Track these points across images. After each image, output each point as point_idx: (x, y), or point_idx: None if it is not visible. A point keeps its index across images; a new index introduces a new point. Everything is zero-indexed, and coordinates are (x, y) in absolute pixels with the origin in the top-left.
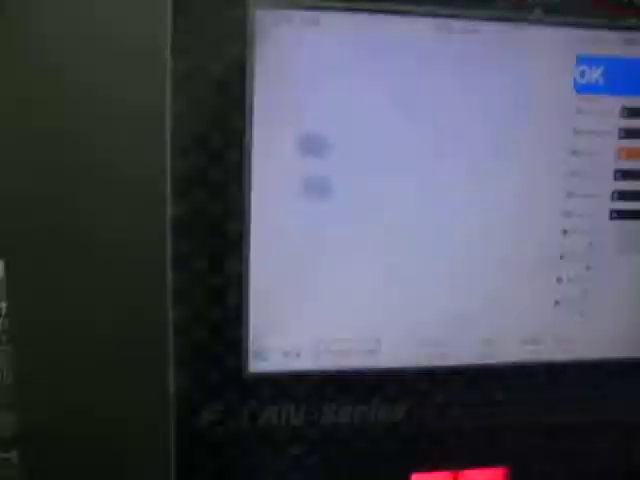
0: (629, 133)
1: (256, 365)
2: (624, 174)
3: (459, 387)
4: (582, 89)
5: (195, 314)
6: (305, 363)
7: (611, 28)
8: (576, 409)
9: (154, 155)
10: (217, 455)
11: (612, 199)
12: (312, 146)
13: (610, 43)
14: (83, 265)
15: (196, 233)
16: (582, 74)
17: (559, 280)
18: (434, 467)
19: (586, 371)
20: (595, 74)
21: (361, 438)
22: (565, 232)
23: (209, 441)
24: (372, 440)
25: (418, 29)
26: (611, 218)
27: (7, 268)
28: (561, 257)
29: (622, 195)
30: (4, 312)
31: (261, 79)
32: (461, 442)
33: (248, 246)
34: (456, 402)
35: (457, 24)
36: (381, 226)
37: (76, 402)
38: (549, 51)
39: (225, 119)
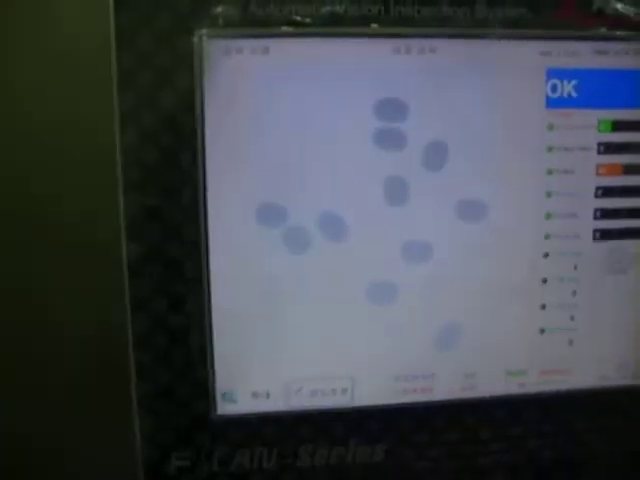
0: (608, 148)
1: (224, 407)
2: (605, 191)
3: (441, 424)
4: (554, 104)
5: (158, 357)
6: (276, 404)
7: (580, 39)
8: (569, 444)
9: (105, 191)
10: None
11: (595, 218)
12: (268, 175)
13: (581, 55)
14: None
15: (153, 274)
16: (554, 88)
17: (543, 307)
18: None
19: (578, 403)
20: (568, 87)
21: None
22: (547, 255)
23: None
24: None
25: (374, 52)
26: (594, 239)
27: None
28: (544, 282)
29: (605, 213)
30: None
31: (211, 109)
32: None
33: (208, 285)
34: (438, 440)
35: (414, 44)
36: (352, 257)
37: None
38: (515, 66)
39: (176, 152)
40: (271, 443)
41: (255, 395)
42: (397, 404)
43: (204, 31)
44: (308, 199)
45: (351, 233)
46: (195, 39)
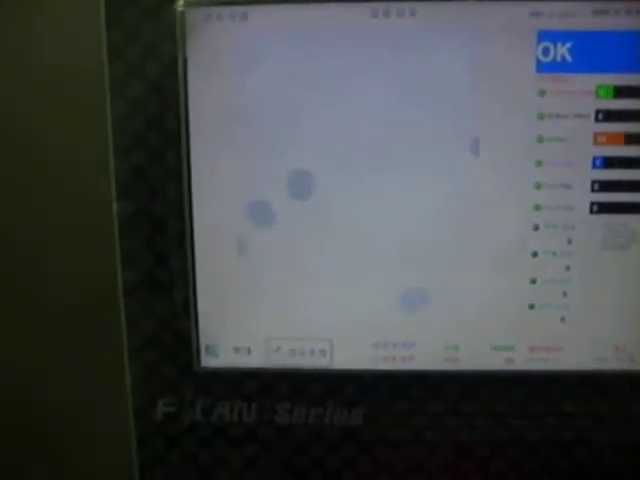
0: (608, 115)
1: (207, 360)
2: (604, 162)
3: (422, 394)
4: (546, 68)
5: (146, 309)
6: (256, 360)
7: None
8: (554, 424)
9: (96, 154)
10: (174, 447)
11: (592, 190)
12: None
13: (577, 15)
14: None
15: (141, 232)
16: (545, 52)
17: (533, 281)
18: (401, 477)
19: (567, 383)
20: (562, 51)
21: (319, 441)
22: (537, 227)
23: (167, 433)
24: (331, 444)
25: (352, 16)
26: (591, 211)
27: None
28: (534, 255)
29: (603, 185)
30: None
31: (194, 75)
32: (431, 453)
33: (192, 243)
34: (419, 411)
35: (393, 7)
36: (336, 225)
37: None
38: (502, 29)
39: (161, 116)
40: (251, 398)
41: (237, 350)
42: (376, 370)
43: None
44: (283, 158)
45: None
46: (177, 7)
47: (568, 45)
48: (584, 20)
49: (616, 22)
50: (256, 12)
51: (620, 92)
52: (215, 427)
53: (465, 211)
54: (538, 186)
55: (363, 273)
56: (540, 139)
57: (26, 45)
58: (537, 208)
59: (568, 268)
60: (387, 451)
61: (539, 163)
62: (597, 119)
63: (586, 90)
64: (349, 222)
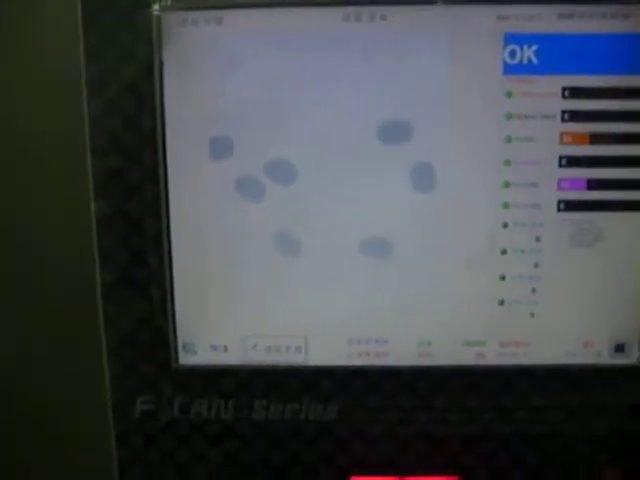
0: (574, 116)
1: (185, 358)
2: (570, 160)
3: (396, 389)
4: (513, 70)
5: (124, 307)
6: (233, 358)
7: (542, 2)
8: (525, 417)
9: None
10: (153, 444)
11: (559, 188)
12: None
13: (543, 19)
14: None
15: (119, 231)
16: (512, 54)
17: (502, 278)
18: (375, 471)
19: (537, 378)
20: (528, 53)
21: (295, 437)
22: (506, 225)
23: (145, 431)
24: (306, 439)
25: (325, 20)
26: (559, 209)
27: None
28: (503, 252)
29: (570, 184)
30: None
31: (170, 78)
32: (403, 447)
33: (169, 240)
34: (392, 405)
35: (364, 12)
36: (311, 224)
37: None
38: (470, 32)
39: (138, 119)
40: (228, 395)
41: (214, 348)
42: (351, 366)
43: (161, 4)
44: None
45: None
46: (153, 12)
47: (534, 48)
48: (550, 23)
49: (581, 25)
50: (231, 17)
51: (584, 93)
52: (193, 424)
53: (435, 210)
54: (507, 185)
55: (337, 271)
56: (508, 139)
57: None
58: (506, 206)
59: (537, 265)
60: (362, 445)
61: (507, 162)
62: (563, 119)
63: (552, 91)
64: (324, 221)
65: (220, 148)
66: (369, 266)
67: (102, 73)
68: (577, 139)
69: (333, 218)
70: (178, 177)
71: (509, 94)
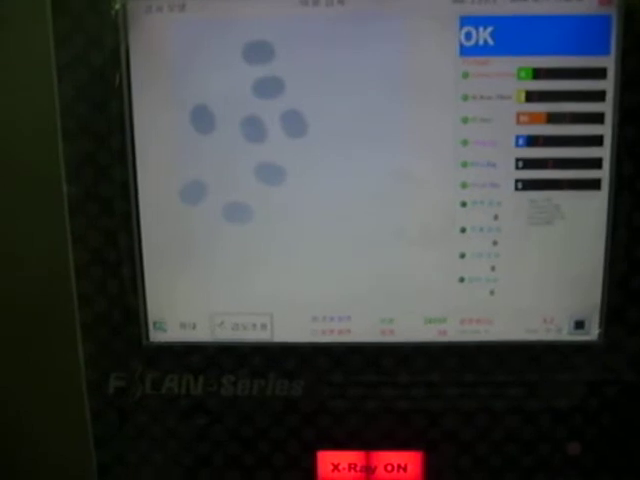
0: (530, 96)
1: (155, 335)
2: (527, 140)
3: (358, 366)
4: (469, 52)
5: (96, 287)
6: (201, 335)
7: None
8: (487, 393)
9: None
10: (127, 419)
11: (517, 167)
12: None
13: (498, 1)
14: None
15: (90, 213)
16: (468, 36)
17: (462, 256)
18: (341, 446)
19: (498, 354)
20: (484, 35)
21: (262, 412)
22: (464, 204)
23: (118, 407)
24: (274, 415)
25: (284, 4)
26: (516, 188)
27: None
28: (462, 231)
29: (527, 163)
30: None
31: (137, 64)
32: (368, 422)
33: (138, 222)
34: (356, 381)
35: None
36: (278, 204)
37: None
38: (426, 15)
39: (107, 103)
40: (197, 371)
41: (183, 326)
42: (315, 343)
43: None
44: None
45: None
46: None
47: (490, 29)
48: (504, 5)
49: (535, 7)
50: (193, 3)
51: (540, 74)
52: (164, 400)
53: (395, 189)
54: (465, 165)
55: (302, 249)
56: (465, 120)
57: None
58: (464, 186)
59: (495, 243)
60: (327, 420)
61: (465, 142)
62: (519, 99)
63: (508, 72)
64: (291, 201)
65: (185, 131)
66: (332, 245)
67: (71, 59)
68: (534, 119)
69: (299, 196)
70: (146, 159)
71: (465, 75)
